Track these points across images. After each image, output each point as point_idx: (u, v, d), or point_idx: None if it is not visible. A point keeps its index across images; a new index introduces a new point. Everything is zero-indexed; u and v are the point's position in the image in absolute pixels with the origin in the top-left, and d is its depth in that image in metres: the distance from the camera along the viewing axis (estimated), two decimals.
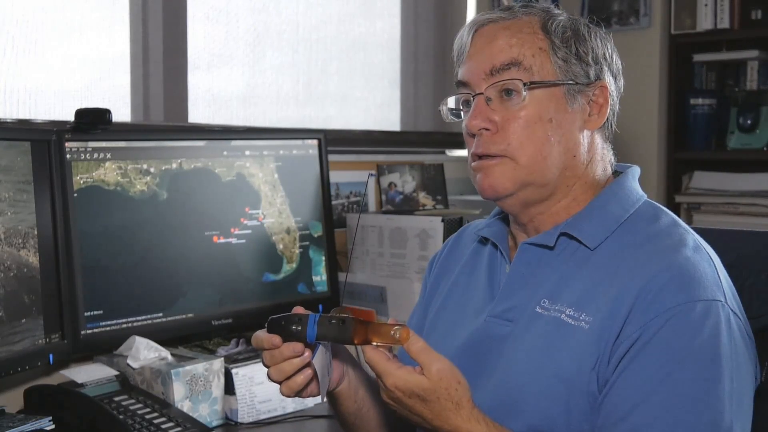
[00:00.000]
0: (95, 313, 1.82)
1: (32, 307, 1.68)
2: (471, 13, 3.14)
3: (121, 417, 1.63)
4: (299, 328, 1.13)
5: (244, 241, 2.08)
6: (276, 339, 1.14)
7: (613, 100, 1.27)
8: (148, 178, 1.92)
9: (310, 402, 1.89)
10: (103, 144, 1.86)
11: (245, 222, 2.09)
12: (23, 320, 1.65)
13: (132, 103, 2.32)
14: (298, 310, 1.16)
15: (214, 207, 2.03)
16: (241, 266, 2.08)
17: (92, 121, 1.84)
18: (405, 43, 3.09)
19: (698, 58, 3.18)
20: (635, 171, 1.31)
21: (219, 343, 2.01)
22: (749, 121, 3.06)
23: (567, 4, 3.27)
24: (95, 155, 1.85)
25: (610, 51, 1.28)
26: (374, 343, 1.10)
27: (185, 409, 1.73)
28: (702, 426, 1.07)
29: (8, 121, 1.99)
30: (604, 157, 1.28)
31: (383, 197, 2.50)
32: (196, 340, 2.01)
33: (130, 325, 1.87)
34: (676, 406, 1.07)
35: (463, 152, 1.58)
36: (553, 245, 1.23)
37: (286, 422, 1.83)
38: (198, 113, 2.46)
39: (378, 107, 3.03)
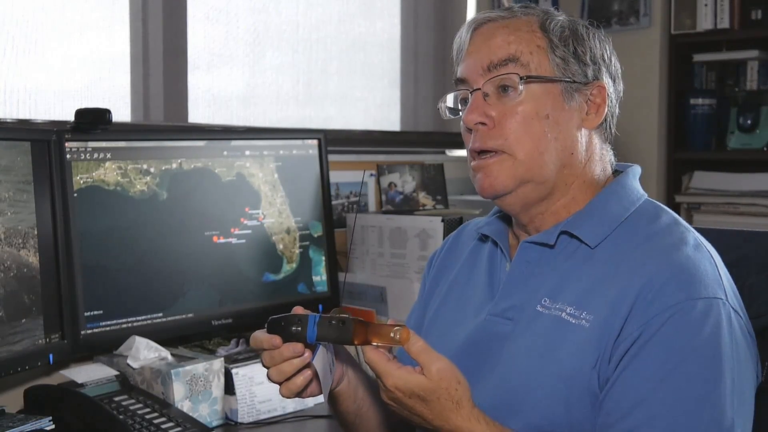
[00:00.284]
0: (95, 313, 1.82)
1: (32, 307, 1.68)
2: (471, 13, 3.14)
3: (121, 417, 1.63)
4: (299, 328, 1.13)
5: (244, 241, 2.08)
6: (276, 339, 1.14)
7: (611, 102, 1.27)
8: (148, 178, 1.92)
9: (310, 402, 1.89)
10: (103, 144, 1.86)
11: (245, 222, 2.09)
12: (23, 320, 1.65)
13: (132, 103, 2.32)
14: (298, 310, 1.16)
15: (214, 207, 2.03)
16: (241, 266, 2.08)
17: (92, 121, 1.84)
18: (405, 43, 3.09)
19: (698, 58, 3.18)
20: (636, 170, 1.31)
21: (219, 343, 2.01)
22: (749, 121, 3.07)
23: (567, 4, 3.27)
24: (95, 155, 1.85)
25: (608, 53, 1.28)
26: (374, 344, 1.10)
27: (185, 409, 1.73)
28: (703, 423, 1.07)
29: (8, 121, 1.99)
30: (603, 157, 1.28)
31: (383, 197, 2.50)
32: (196, 340, 2.01)
33: (130, 325, 1.87)
34: (678, 404, 1.07)
35: (463, 152, 1.58)
36: (554, 244, 1.24)
37: (286, 422, 1.83)
38: (198, 113, 2.46)
39: (378, 107, 3.03)
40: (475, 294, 1.32)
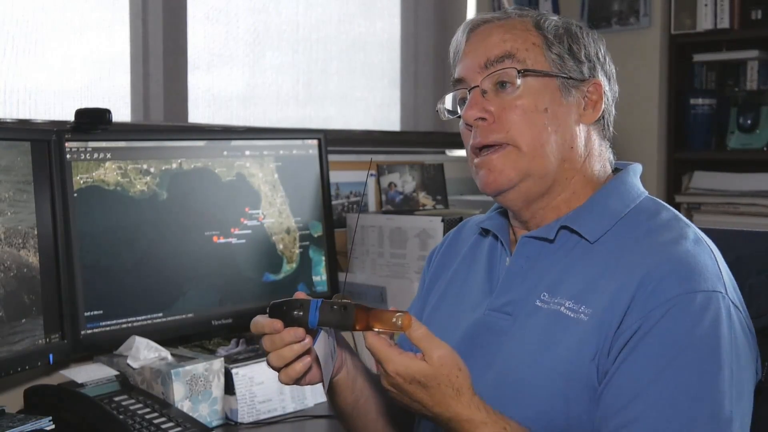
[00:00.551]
0: (95, 313, 1.82)
1: (32, 307, 1.68)
2: (471, 13, 3.14)
3: (121, 417, 1.63)
4: (301, 313, 1.12)
5: (244, 241, 2.08)
6: (277, 324, 1.14)
7: (607, 101, 1.28)
8: (148, 178, 1.92)
9: (310, 402, 1.89)
10: (103, 144, 1.86)
11: (245, 222, 2.09)
12: (23, 320, 1.65)
13: (132, 103, 2.32)
14: (300, 295, 1.16)
15: (214, 207, 2.03)
16: (241, 266, 2.08)
17: (92, 121, 1.84)
18: (405, 43, 3.09)
19: (698, 58, 3.18)
20: (637, 168, 1.32)
21: (219, 343, 2.01)
22: (749, 121, 3.07)
23: (567, 4, 3.27)
24: (95, 155, 1.85)
25: (602, 52, 1.30)
26: (376, 330, 1.10)
27: (185, 409, 1.73)
28: (702, 416, 1.07)
29: (8, 121, 1.99)
30: (602, 154, 1.30)
31: (383, 197, 2.50)
32: (196, 340, 2.01)
33: (130, 325, 1.87)
34: (676, 397, 1.08)
35: (463, 152, 1.57)
36: (554, 238, 1.24)
37: (286, 422, 1.83)
38: (198, 113, 2.46)
39: (378, 107, 3.03)
40: (474, 289, 1.33)
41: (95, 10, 2.25)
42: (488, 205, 1.34)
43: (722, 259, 1.20)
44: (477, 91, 1.24)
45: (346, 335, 1.30)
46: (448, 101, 1.34)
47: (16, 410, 1.65)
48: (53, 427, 1.56)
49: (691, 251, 1.15)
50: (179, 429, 1.65)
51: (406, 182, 2.53)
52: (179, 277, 1.96)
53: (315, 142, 2.26)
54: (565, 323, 1.16)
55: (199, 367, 1.77)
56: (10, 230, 1.63)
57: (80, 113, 1.85)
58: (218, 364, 1.81)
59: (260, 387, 1.82)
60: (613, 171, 1.32)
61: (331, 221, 2.30)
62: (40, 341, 1.69)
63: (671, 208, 1.27)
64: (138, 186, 1.91)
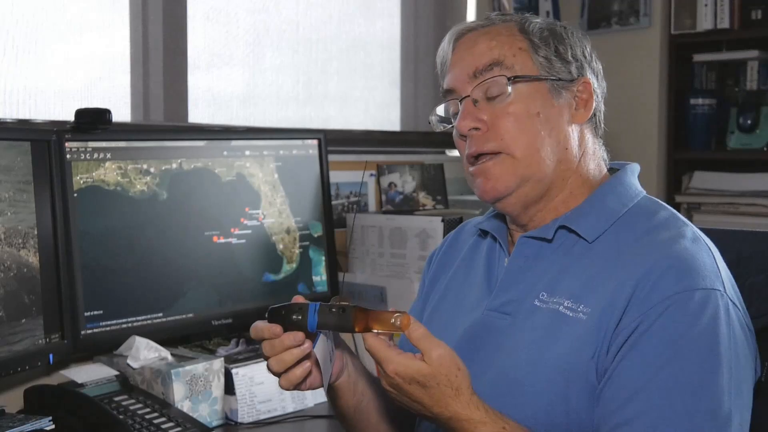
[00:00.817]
0: (95, 313, 1.82)
1: (32, 307, 1.68)
2: (471, 13, 3.14)
3: (121, 417, 1.63)
4: (300, 317, 1.13)
5: (244, 241, 2.08)
6: (277, 328, 1.14)
7: (597, 98, 1.29)
8: (148, 178, 1.92)
9: (310, 402, 1.89)
10: (103, 144, 1.86)
11: (245, 222, 2.09)
12: (23, 320, 1.65)
13: (132, 103, 2.32)
14: (298, 299, 1.16)
15: (214, 207, 2.03)
16: (241, 266, 2.08)
17: (92, 121, 1.84)
18: (405, 43, 3.09)
19: (698, 58, 3.18)
20: (634, 168, 1.33)
21: (219, 343, 2.01)
22: (749, 121, 3.06)
23: (567, 4, 3.27)
24: (95, 155, 1.85)
25: (588, 50, 1.31)
26: (375, 331, 1.10)
27: (185, 409, 1.73)
28: (700, 414, 1.07)
29: (8, 121, 1.99)
30: (596, 152, 1.31)
31: (383, 197, 2.50)
32: (196, 340, 2.01)
33: (130, 325, 1.87)
34: (675, 394, 1.08)
35: None
36: (552, 238, 1.25)
37: (286, 422, 1.83)
38: (198, 113, 2.46)
39: (378, 107, 3.03)
40: (473, 289, 1.33)
41: (95, 10, 2.25)
42: (488, 205, 1.34)
43: (720, 258, 1.20)
44: (468, 101, 1.25)
45: (347, 338, 1.30)
46: (440, 111, 1.35)
47: (16, 410, 1.65)
48: (53, 427, 1.56)
49: (689, 249, 1.16)
50: (179, 429, 1.65)
51: (406, 182, 2.53)
52: (179, 277, 1.96)
53: (315, 142, 2.26)
54: (564, 322, 1.17)
55: (199, 367, 1.77)
56: (10, 230, 1.63)
57: (80, 113, 1.85)
58: (218, 364, 1.81)
59: (260, 387, 1.82)
60: (609, 171, 1.33)
61: (331, 221, 2.30)
62: (40, 341, 1.69)
63: (669, 207, 1.27)
64: (138, 186, 1.91)
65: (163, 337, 1.89)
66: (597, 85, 1.30)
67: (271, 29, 2.67)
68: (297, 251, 2.20)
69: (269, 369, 1.18)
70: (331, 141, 2.34)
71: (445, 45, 1.31)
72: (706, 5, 3.04)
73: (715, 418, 1.08)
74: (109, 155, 1.87)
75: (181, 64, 2.38)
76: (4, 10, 2.06)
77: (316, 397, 1.89)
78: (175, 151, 1.98)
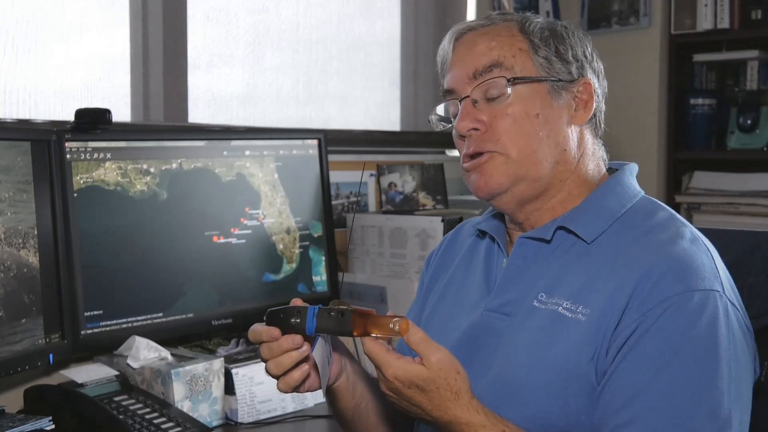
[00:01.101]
0: (95, 313, 1.82)
1: (32, 307, 1.68)
2: (471, 12, 3.14)
3: (121, 417, 1.63)
4: (298, 320, 1.12)
5: (244, 241, 2.08)
6: (275, 331, 1.14)
7: (597, 98, 1.28)
8: (148, 178, 1.92)
9: (310, 402, 1.89)
10: (103, 144, 1.86)
11: (245, 222, 2.09)
12: (23, 320, 1.65)
13: (132, 103, 2.32)
14: (297, 302, 1.16)
15: (214, 207, 2.03)
16: (241, 266, 2.08)
17: (92, 121, 1.84)
18: (405, 43, 3.09)
19: (698, 58, 3.18)
20: (633, 168, 1.32)
21: (219, 343, 2.01)
22: (749, 121, 3.06)
23: (567, 4, 3.27)
24: (95, 155, 1.85)
25: (590, 50, 1.30)
26: (373, 335, 1.10)
27: (185, 409, 1.73)
28: (700, 415, 1.07)
29: (8, 121, 1.99)
30: (595, 153, 1.30)
31: (383, 197, 2.50)
32: (196, 340, 2.01)
33: (130, 325, 1.87)
34: (674, 396, 1.08)
35: None
36: (550, 239, 1.25)
37: (286, 422, 1.83)
38: (198, 113, 2.46)
39: (378, 107, 3.03)
40: (471, 290, 1.33)
41: (95, 10, 2.25)
42: (487, 205, 1.34)
43: (719, 258, 1.20)
44: (468, 101, 1.25)
45: (346, 340, 1.30)
46: (440, 111, 1.35)
47: (16, 410, 1.65)
48: (53, 427, 1.56)
49: (688, 250, 1.15)
50: (179, 429, 1.65)
51: (406, 182, 2.53)
52: (179, 277, 1.96)
53: (315, 142, 2.26)
54: (563, 323, 1.16)
55: (199, 367, 1.77)
56: (10, 230, 1.63)
57: (80, 113, 1.85)
58: (218, 364, 1.81)
59: (260, 387, 1.82)
60: (608, 171, 1.32)
61: (331, 221, 2.30)
62: (40, 341, 1.69)
63: (668, 207, 1.27)
64: (138, 186, 1.91)
65: (163, 337, 1.89)
66: (598, 85, 1.29)
67: (271, 29, 2.67)
68: (297, 251, 2.20)
69: (267, 372, 1.18)
70: (331, 141, 2.34)
71: (446, 44, 1.31)
72: (706, 5, 3.04)
73: (715, 419, 1.08)
74: (109, 155, 1.87)
75: (181, 64, 2.38)
76: (4, 10, 2.06)
77: (316, 398, 1.89)
78: (175, 151, 1.98)
